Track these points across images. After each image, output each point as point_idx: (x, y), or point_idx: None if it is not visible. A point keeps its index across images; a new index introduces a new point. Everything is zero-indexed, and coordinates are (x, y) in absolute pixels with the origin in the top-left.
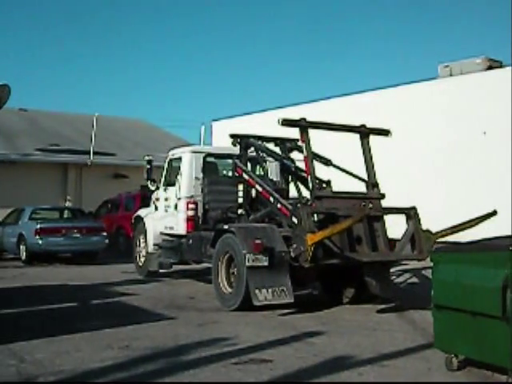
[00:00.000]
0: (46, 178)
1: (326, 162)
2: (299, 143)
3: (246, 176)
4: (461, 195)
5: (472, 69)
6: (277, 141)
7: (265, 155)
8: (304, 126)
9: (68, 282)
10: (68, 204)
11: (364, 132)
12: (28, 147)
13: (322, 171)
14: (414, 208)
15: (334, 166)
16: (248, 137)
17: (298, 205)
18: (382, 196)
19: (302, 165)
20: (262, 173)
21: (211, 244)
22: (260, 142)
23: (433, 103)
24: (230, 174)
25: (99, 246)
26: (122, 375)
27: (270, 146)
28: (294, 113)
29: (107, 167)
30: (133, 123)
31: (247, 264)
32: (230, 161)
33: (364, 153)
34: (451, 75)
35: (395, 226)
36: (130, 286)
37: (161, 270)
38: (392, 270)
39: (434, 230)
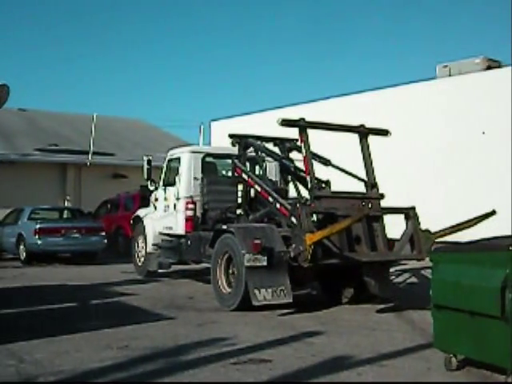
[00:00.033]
0: (45, 177)
1: (325, 162)
2: (298, 143)
3: (245, 176)
4: (460, 195)
5: (471, 69)
6: (276, 141)
7: (264, 155)
8: (303, 126)
9: (67, 282)
10: (67, 204)
11: (363, 132)
12: (27, 147)
13: (321, 171)
14: (413, 208)
15: (333, 166)
16: (247, 137)
17: (297, 205)
18: (381, 196)
19: (301, 165)
20: (261, 173)
21: (210, 244)
22: (259, 142)
23: (432, 103)
24: (229, 174)
25: (98, 246)
26: (122, 375)
27: (269, 145)
28: (293, 113)
29: (106, 167)
30: (132, 123)
31: (246, 264)
32: (229, 161)
33: (363, 153)
34: (450, 75)
35: (394, 226)
36: (129, 286)
37: (160, 270)
38: (391, 270)
39: (433, 230)
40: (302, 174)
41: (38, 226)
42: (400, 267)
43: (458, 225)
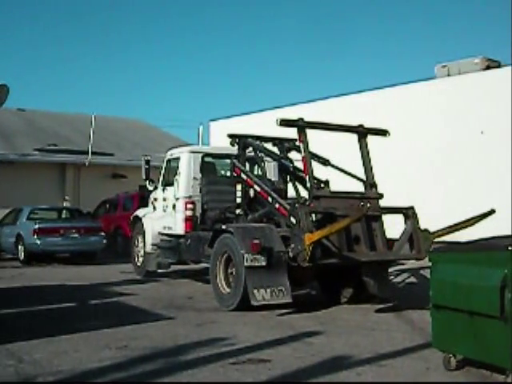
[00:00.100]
0: (44, 177)
1: (324, 162)
2: (297, 143)
3: (244, 176)
4: (459, 195)
5: (470, 69)
6: (275, 141)
7: (263, 155)
8: (302, 126)
9: (66, 282)
10: (66, 204)
11: (362, 132)
12: (26, 147)
13: (320, 171)
14: (412, 208)
15: (332, 165)
16: (246, 137)
17: (296, 205)
18: (380, 196)
19: (300, 165)
20: (261, 173)
21: (209, 244)
22: (258, 142)
23: (431, 103)
24: (229, 173)
25: (97, 246)
26: (121, 375)
27: (268, 145)
28: (291, 113)
29: (105, 167)
30: (131, 123)
31: (245, 264)
32: (228, 161)
33: (362, 153)
34: (449, 75)
35: (393, 226)
36: (128, 286)
37: (159, 270)
38: (390, 270)
39: (432, 230)
40: (301, 174)
41: (36, 226)
42: (399, 267)
43: (457, 224)
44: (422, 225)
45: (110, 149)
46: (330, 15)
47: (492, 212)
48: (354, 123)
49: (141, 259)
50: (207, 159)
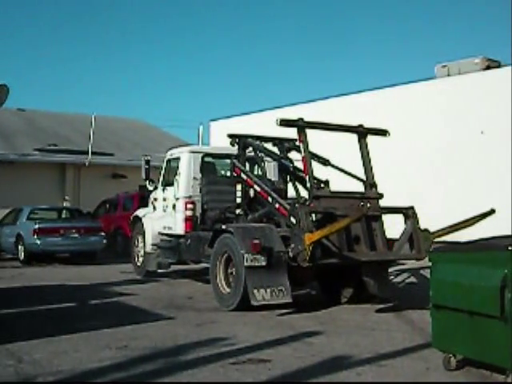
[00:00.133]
0: (44, 177)
1: (324, 162)
2: (297, 143)
3: (244, 176)
4: (459, 195)
5: (470, 69)
6: (275, 141)
7: (263, 155)
8: (302, 126)
9: (66, 282)
10: (66, 204)
11: (362, 132)
12: (26, 147)
13: (320, 171)
14: (412, 208)
15: (332, 165)
16: (246, 137)
17: (296, 205)
18: (380, 196)
19: (300, 165)
20: (261, 173)
21: (209, 244)
22: (258, 142)
23: (431, 103)
24: (229, 173)
25: (97, 246)
26: (121, 375)
27: (268, 145)
28: (291, 113)
29: (105, 167)
30: (131, 123)
31: (245, 264)
32: (228, 161)
33: (362, 153)
34: (449, 75)
35: (393, 226)
36: (128, 286)
37: (159, 270)
38: (390, 270)
39: (432, 230)
40: (301, 174)
41: (37, 226)
42: (399, 267)
43: (458, 224)
44: (422, 225)
45: (109, 149)
46: (330, 15)
47: (492, 212)
48: (354, 123)
49: (141, 259)
50: (207, 159)
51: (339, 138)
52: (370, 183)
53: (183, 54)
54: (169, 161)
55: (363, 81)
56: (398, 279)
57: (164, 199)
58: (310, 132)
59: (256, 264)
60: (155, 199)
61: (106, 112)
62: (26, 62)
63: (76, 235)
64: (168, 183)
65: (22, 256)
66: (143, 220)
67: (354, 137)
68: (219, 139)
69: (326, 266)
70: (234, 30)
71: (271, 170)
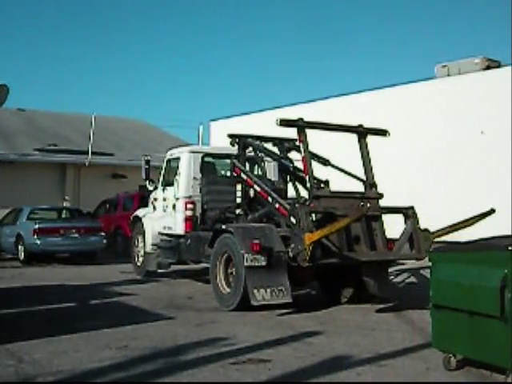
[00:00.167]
0: (44, 177)
1: (324, 162)
2: (297, 143)
3: (244, 176)
4: (459, 195)
5: (470, 69)
6: (275, 141)
7: (263, 155)
8: (302, 126)
9: (66, 282)
10: (66, 204)
11: (362, 132)
12: (26, 147)
13: (320, 171)
14: (412, 207)
15: (332, 165)
16: (246, 137)
17: (296, 204)
18: (380, 196)
19: (300, 165)
20: (261, 173)
21: (209, 244)
22: (258, 142)
23: (431, 103)
24: (229, 173)
25: (97, 246)
26: (121, 375)
27: (268, 145)
28: (291, 113)
29: (105, 167)
30: (131, 123)
31: (245, 264)
32: (228, 161)
33: (362, 153)
34: (449, 75)
35: (393, 226)
36: (128, 286)
37: (159, 270)
38: (390, 270)
39: (432, 230)
40: (301, 174)
41: (37, 226)
42: (399, 267)
43: (458, 224)
44: (422, 225)
45: (110, 149)
46: (330, 15)
47: (492, 212)
48: (354, 123)
49: (141, 259)
50: (207, 159)
51: (339, 138)
52: (369, 183)
53: (183, 53)
54: (169, 161)
55: (363, 81)
56: (398, 279)
57: (164, 199)
58: (309, 132)
59: (256, 264)
60: (155, 199)
61: (106, 112)
62: (26, 62)
63: (76, 235)
64: (168, 183)
65: (21, 256)
66: (143, 220)
67: (353, 137)
68: (219, 139)
69: (326, 266)
70: (234, 30)
71: (271, 169)
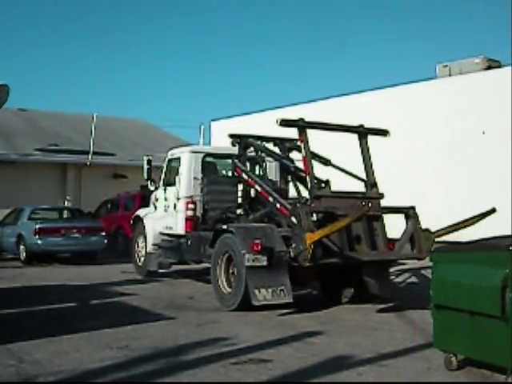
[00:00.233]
0: (45, 177)
1: (325, 162)
2: (298, 143)
3: (245, 176)
4: (460, 195)
5: (471, 69)
6: (276, 141)
7: (264, 155)
8: (302, 126)
9: (67, 282)
10: (67, 204)
11: (362, 132)
12: (27, 147)
13: (321, 171)
14: (413, 207)
15: (333, 165)
16: (247, 137)
17: (297, 204)
18: (381, 196)
19: (301, 164)
20: (262, 173)
21: (210, 244)
22: (259, 142)
23: (432, 103)
24: (230, 173)
25: (98, 246)
26: (122, 375)
27: (269, 145)
28: (292, 113)
29: (106, 167)
30: (132, 123)
31: (246, 264)
32: (229, 161)
33: (362, 153)
34: (450, 75)
35: (394, 226)
36: (129, 286)
37: (160, 270)
38: (391, 270)
39: (433, 230)
40: (302, 174)
41: (38, 226)
42: (400, 267)
43: (458, 223)
44: (423, 224)
45: (110, 149)
46: (329, 15)
47: (493, 211)
48: (355, 123)
49: (142, 259)
50: (208, 159)
51: (340, 137)
52: (370, 183)
53: (183, 53)
54: (170, 161)
55: (364, 81)
56: (399, 279)
57: (165, 199)
58: (310, 132)
59: (257, 264)
60: (156, 199)
61: (107, 112)
62: (27, 62)
63: (77, 235)
64: (169, 183)
65: (23, 256)
66: (144, 220)
67: (354, 137)
68: (220, 139)
69: (327, 266)
70: (234, 30)
71: (272, 169)
